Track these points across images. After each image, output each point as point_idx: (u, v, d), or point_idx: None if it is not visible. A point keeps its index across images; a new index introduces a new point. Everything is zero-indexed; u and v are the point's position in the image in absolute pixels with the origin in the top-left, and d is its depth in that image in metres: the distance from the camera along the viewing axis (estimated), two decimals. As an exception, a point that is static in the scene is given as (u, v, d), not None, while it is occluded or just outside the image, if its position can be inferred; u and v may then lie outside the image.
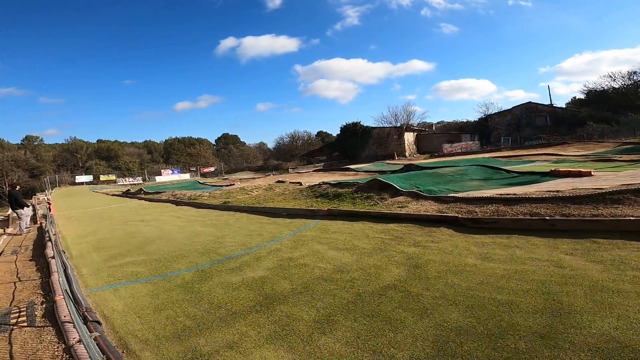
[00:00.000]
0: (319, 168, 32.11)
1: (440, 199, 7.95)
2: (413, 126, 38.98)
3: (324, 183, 13.91)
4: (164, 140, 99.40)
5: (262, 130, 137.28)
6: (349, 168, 25.71)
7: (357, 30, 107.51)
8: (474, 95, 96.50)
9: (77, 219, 14.63)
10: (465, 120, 46.34)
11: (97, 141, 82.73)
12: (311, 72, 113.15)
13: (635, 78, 39.20)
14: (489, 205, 6.76)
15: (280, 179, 21.65)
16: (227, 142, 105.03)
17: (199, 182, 31.40)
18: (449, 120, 50.38)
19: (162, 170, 56.58)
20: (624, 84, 40.58)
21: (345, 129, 39.13)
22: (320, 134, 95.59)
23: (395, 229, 6.44)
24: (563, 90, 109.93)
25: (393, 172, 20.37)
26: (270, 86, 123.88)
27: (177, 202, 17.56)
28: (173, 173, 55.83)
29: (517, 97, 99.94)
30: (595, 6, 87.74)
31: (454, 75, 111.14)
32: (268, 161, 60.45)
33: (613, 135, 31.78)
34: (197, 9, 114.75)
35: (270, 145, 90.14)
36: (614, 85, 41.61)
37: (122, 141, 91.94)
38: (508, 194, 7.27)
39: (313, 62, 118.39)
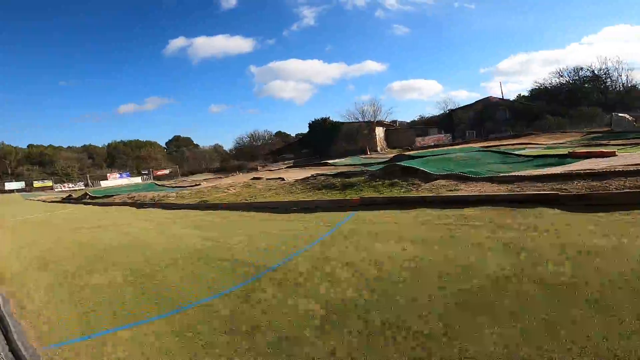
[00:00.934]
0: (290, 165, 30.16)
1: (493, 179, 6.59)
2: (384, 122, 38.47)
3: (320, 175, 12.17)
4: (106, 144, 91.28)
5: (217, 132, 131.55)
6: (326, 163, 24.16)
7: (313, 30, 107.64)
8: (422, 95, 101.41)
9: (9, 229, 11.53)
10: (430, 116, 47.05)
11: (27, 146, 73.90)
12: (266, 73, 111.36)
13: (581, 74, 42.05)
14: (575, 182, 5.49)
15: (255, 176, 19.51)
16: (180, 144, 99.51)
17: (156, 184, 28.00)
18: (401, 120, 50.68)
19: (108, 174, 51.01)
20: (571, 80, 43.39)
21: (314, 125, 37.59)
22: (279, 133, 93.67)
23: (475, 214, 4.92)
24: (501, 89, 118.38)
25: (379, 163, 19.14)
26: (224, 87, 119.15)
27: (139, 204, 14.83)
28: (121, 177, 50.55)
29: (460, 96, 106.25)
30: (530, 8, 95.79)
31: (404, 75, 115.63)
32: (228, 162, 57.11)
33: (570, 127, 33.32)
34: (144, 7, 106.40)
35: (227, 146, 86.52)
36: (562, 81, 44.41)
37: (57, 145, 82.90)
38: (585, 170, 6.07)
39: (268, 62, 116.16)
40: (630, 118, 25.58)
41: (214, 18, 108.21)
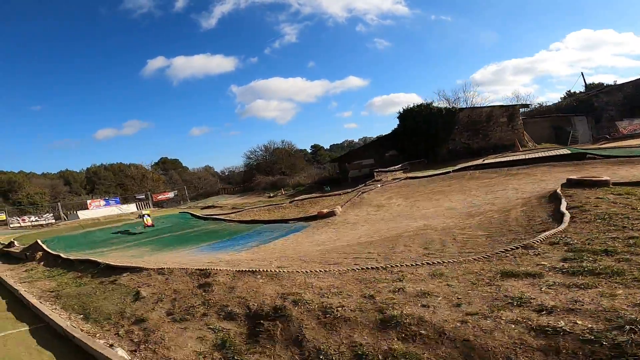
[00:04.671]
0: (407, 175, 16.69)
1: None
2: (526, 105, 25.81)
3: None
4: (85, 169, 77.08)
5: (200, 155, 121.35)
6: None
7: (295, 47, 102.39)
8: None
9: None
10: (559, 100, 35.08)
11: (-9, 172, 59.12)
12: (248, 93, 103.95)
13: None
14: None
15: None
16: (167, 167, 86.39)
17: (191, 214, 14.00)
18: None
19: (88, 202, 36.20)
20: None
21: (409, 115, 24.65)
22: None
23: None
24: (478, 99, 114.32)
25: None
26: (205, 109, 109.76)
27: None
28: (108, 204, 35.88)
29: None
30: (499, 18, 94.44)
31: (386, 90, 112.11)
32: (250, 177, 43.48)
33: None
34: (121, 27, 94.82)
35: (219, 168, 74.25)
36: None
37: (28, 172, 68.41)
38: None
39: (250, 82, 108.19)
40: None
41: (194, 37, 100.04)
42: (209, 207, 25.67)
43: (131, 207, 35.49)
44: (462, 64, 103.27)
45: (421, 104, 25.33)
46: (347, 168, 28.08)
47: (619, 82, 32.69)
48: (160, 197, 38.29)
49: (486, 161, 15.47)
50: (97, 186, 69.52)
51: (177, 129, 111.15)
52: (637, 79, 30.64)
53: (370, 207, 9.50)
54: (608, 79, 37.65)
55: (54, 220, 32.21)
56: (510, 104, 26.20)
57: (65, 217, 33.28)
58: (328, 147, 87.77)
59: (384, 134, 28.15)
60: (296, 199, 13.63)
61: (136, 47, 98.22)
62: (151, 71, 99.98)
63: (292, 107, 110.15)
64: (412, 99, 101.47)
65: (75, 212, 34.30)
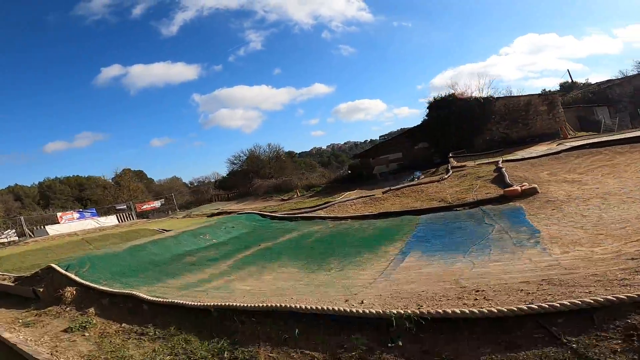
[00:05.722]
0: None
1: None
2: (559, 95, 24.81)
3: None
4: (37, 183, 69.21)
5: (163, 166, 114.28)
6: None
7: (261, 55, 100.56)
8: (368, 115, 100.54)
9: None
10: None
11: None
12: (212, 102, 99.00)
13: None
14: None
15: None
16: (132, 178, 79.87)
17: (260, 214, 10.56)
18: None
19: (58, 215, 30.71)
20: None
21: (442, 104, 22.79)
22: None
23: None
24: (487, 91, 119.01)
25: None
26: (166, 119, 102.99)
27: None
28: (82, 217, 30.50)
29: (403, 114, 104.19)
30: (456, 23, 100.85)
31: (351, 96, 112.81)
32: (242, 180, 39.80)
33: None
34: (72, 34, 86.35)
35: (187, 179, 70.54)
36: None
37: None
38: None
39: (214, 90, 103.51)
40: None
41: (153, 45, 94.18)
42: (218, 214, 22.05)
43: (111, 219, 30.52)
44: (422, 69, 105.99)
45: (452, 94, 23.70)
46: (372, 164, 25.65)
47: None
48: (144, 207, 33.49)
49: (570, 144, 13.67)
50: (53, 201, 63.24)
51: (135, 140, 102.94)
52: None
53: (559, 183, 7.20)
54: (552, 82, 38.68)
55: (17, 238, 26.72)
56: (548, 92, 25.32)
57: (30, 233, 27.76)
58: (298, 155, 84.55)
59: (407, 127, 26.03)
60: (391, 189, 11.02)
61: (89, 55, 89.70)
62: (105, 80, 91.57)
63: (258, 116, 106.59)
64: (377, 105, 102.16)
65: (42, 227, 28.80)
